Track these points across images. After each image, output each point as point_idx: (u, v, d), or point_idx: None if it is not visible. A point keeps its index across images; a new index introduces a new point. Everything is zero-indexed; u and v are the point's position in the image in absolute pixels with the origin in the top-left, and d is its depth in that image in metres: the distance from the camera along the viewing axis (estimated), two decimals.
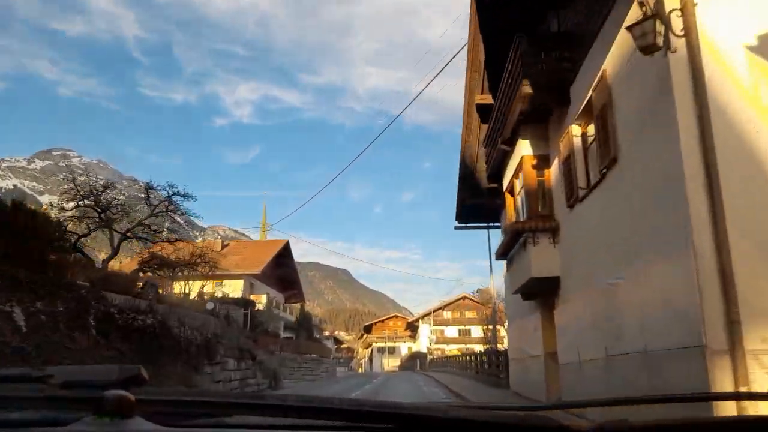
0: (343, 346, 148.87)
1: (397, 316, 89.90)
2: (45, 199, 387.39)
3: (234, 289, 40.12)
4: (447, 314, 73.87)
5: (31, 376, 0.96)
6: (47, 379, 0.92)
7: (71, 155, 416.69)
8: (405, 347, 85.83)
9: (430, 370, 49.21)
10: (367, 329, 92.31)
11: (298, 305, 62.74)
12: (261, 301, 41.51)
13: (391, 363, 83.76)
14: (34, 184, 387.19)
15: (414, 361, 58.12)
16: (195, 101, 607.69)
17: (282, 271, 48.73)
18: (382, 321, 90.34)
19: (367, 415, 0.89)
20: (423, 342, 71.76)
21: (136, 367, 0.91)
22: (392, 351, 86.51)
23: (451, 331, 72.94)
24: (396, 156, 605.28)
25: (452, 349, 68.86)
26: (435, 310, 73.50)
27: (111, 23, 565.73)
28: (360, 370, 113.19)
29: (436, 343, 69.91)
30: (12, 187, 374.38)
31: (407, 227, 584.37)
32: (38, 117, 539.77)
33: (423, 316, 73.44)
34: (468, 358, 33.07)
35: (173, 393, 0.96)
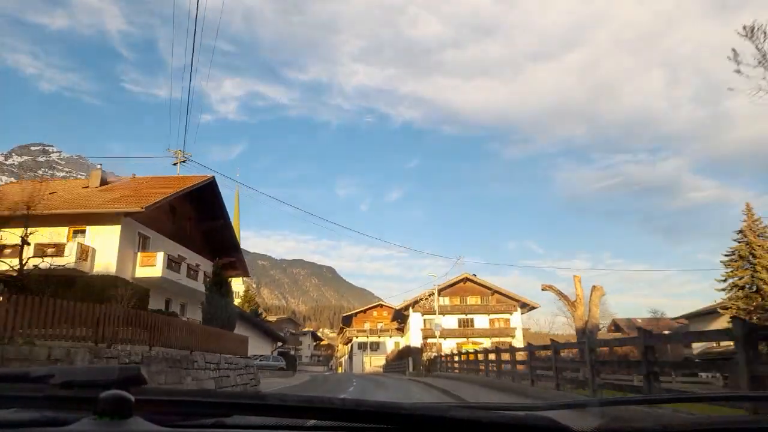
0: (322, 343, 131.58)
1: (382, 305, 72.97)
2: None
3: (105, 241, 22.98)
4: (444, 300, 57.11)
5: (31, 376, 0.94)
6: (47, 379, 0.90)
7: (51, 150, 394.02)
8: (391, 342, 68.91)
9: (434, 375, 31.91)
10: (347, 321, 75.08)
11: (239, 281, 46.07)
12: (153, 263, 24.40)
13: (374, 362, 66.69)
14: (12, 179, 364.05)
15: (404, 360, 41.54)
16: (179, 97, 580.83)
17: (208, 227, 31.61)
18: (364, 311, 73.18)
19: (367, 415, 0.87)
20: (414, 335, 54.99)
21: (136, 367, 0.88)
22: (376, 347, 69.48)
23: (450, 321, 56.15)
24: (382, 154, 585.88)
25: (468, 343, 52.12)
26: (429, 295, 56.73)
27: (94, 17, 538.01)
28: (340, 370, 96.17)
29: (432, 336, 53.11)
30: None
31: (393, 226, 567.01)
32: (17, 112, 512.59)
33: (414, 303, 56.65)
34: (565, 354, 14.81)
35: (173, 393, 0.92)
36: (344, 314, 77.79)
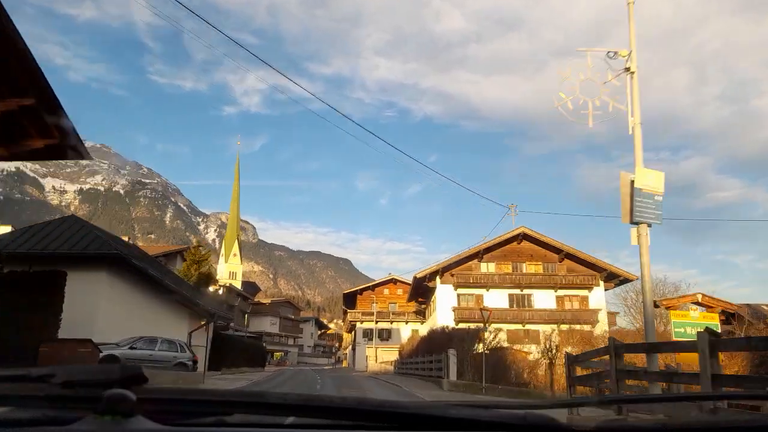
0: (329, 332, 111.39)
1: (395, 281, 52.50)
2: (47, 182, 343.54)
3: None
4: (488, 267, 36.45)
5: (32, 375, 0.91)
6: (48, 379, 0.86)
7: None
8: (407, 330, 48.36)
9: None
10: (349, 302, 54.60)
11: None
12: None
13: (383, 356, 46.20)
14: (37, 166, 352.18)
15: (436, 356, 19.76)
16: (204, 89, 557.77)
17: None
18: (372, 288, 52.50)
19: (368, 414, 0.85)
20: (443, 317, 34.41)
21: (137, 366, 0.86)
22: (386, 336, 49.00)
23: (496, 299, 35.46)
24: (403, 148, 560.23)
25: (524, 334, 31.51)
26: (466, 259, 36.10)
27: (122, 8, 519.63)
28: (344, 364, 75.97)
29: (472, 318, 32.47)
30: (14, 169, 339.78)
31: (411, 220, 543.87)
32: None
33: (443, 270, 36.06)
34: None
35: (174, 392, 0.90)
36: (346, 291, 57.18)
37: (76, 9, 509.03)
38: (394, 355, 41.14)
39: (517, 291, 35.63)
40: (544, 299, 35.52)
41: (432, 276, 36.38)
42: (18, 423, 0.87)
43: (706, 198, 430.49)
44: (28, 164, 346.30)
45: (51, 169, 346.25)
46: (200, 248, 36.31)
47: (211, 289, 36.10)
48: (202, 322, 22.06)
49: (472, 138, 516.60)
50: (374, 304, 48.52)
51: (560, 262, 36.38)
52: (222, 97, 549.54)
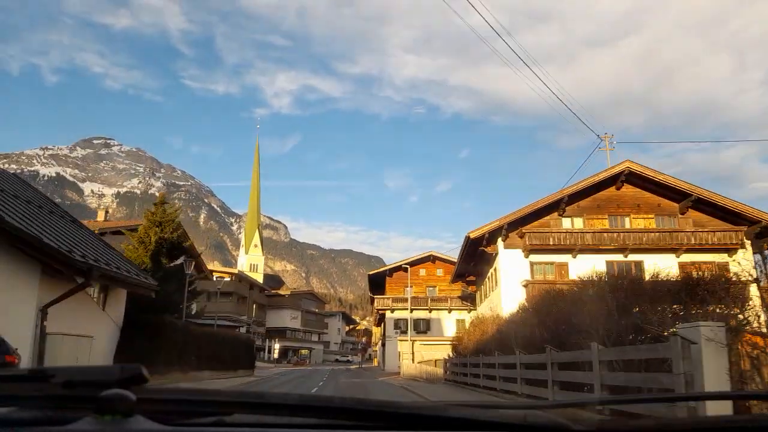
0: (359, 327, 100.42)
1: (434, 259, 40.83)
2: (86, 186, 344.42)
3: None
4: (574, 222, 24.71)
5: (31, 375, 0.90)
6: (48, 379, 0.85)
7: (112, 143, 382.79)
8: (451, 320, 36.97)
9: None
10: (376, 285, 43.28)
11: None
12: None
13: (423, 353, 34.72)
14: (76, 171, 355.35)
15: (652, 346, 9.37)
16: (236, 92, 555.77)
17: None
18: (404, 268, 41.07)
19: (368, 414, 0.84)
20: (509, 295, 22.88)
21: (137, 366, 0.84)
22: (424, 327, 37.56)
23: (588, 266, 23.77)
24: (433, 145, 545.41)
25: None
26: (541, 212, 24.47)
27: (156, 16, 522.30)
28: (375, 363, 64.92)
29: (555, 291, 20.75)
30: (54, 174, 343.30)
31: (442, 217, 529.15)
32: (85, 109, 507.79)
33: (507, 228, 24.49)
34: None
35: (174, 392, 0.90)
36: (371, 272, 45.78)
37: (112, 18, 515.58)
38: (439, 352, 29.56)
39: (618, 256, 23.76)
40: (660, 267, 23.50)
41: (491, 237, 24.78)
42: (18, 423, 0.83)
43: (749, 188, 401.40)
44: (68, 169, 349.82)
45: (89, 174, 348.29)
46: (165, 205, 25.83)
47: (186, 261, 25.45)
48: (74, 286, 11.16)
49: (503, 132, 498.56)
50: (408, 288, 37.21)
51: (682, 213, 24.31)
52: (254, 100, 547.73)
